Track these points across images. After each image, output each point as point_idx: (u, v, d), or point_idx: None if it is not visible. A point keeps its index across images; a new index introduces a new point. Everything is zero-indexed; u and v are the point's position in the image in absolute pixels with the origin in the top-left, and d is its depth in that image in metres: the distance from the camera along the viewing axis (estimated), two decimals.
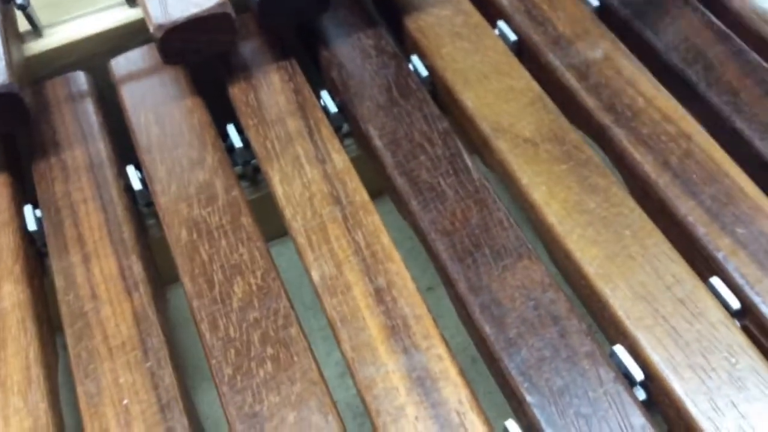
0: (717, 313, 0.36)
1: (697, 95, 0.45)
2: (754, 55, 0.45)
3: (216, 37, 0.46)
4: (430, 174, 0.43)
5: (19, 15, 0.52)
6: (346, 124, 0.49)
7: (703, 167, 0.41)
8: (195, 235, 0.42)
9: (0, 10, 0.49)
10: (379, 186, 0.46)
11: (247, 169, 0.49)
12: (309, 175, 0.44)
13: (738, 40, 0.46)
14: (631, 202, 0.40)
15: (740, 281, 0.37)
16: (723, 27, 0.47)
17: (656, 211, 0.41)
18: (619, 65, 0.46)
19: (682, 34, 0.47)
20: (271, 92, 0.48)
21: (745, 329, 0.36)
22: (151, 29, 0.44)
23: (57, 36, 0.52)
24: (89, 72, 0.52)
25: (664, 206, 0.41)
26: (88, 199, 0.45)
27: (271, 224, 0.44)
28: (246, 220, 0.43)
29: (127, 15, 0.53)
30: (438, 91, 0.49)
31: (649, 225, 0.39)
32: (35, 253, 0.45)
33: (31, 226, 0.44)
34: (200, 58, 0.47)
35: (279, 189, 0.44)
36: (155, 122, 0.48)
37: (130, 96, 0.50)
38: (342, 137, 0.50)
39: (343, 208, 0.42)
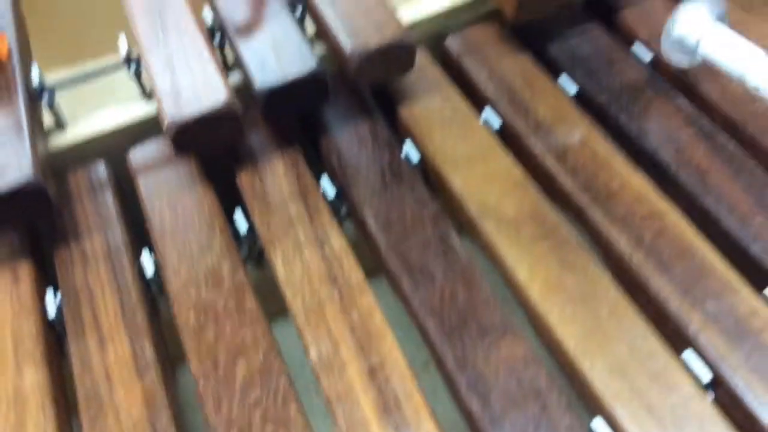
0: (690, 387, 0.38)
1: (668, 176, 0.48)
2: (723, 136, 0.49)
3: (224, 131, 0.50)
4: (421, 255, 0.46)
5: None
6: (345, 207, 0.53)
7: (675, 245, 0.44)
8: (202, 318, 0.46)
9: (27, 106, 0.53)
10: (376, 265, 0.50)
11: (253, 251, 0.53)
12: (308, 257, 0.47)
13: (707, 122, 0.50)
14: (607, 280, 0.43)
15: (712, 354, 0.39)
16: (694, 110, 0.51)
17: (631, 287, 0.44)
18: (595, 149, 0.50)
19: (654, 118, 0.51)
20: (275, 179, 0.52)
21: (717, 401, 0.38)
22: (164, 126, 0.49)
23: (79, 129, 0.57)
24: (109, 162, 0.56)
25: (638, 283, 0.43)
26: (104, 285, 0.49)
27: (276, 302, 0.47)
28: (249, 303, 0.46)
29: (144, 108, 0.57)
30: (429, 174, 0.53)
31: (623, 302, 0.42)
32: (55, 338, 0.48)
33: (52, 313, 0.48)
34: (210, 149, 0.51)
35: (281, 271, 0.47)
36: (169, 209, 0.52)
37: (146, 185, 0.54)
38: (341, 219, 0.54)
39: (340, 289, 0.45)
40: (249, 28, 0.53)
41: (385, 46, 0.50)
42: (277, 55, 0.51)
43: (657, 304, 0.42)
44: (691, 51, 0.49)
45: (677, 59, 0.50)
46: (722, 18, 0.49)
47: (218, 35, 0.57)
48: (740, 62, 0.46)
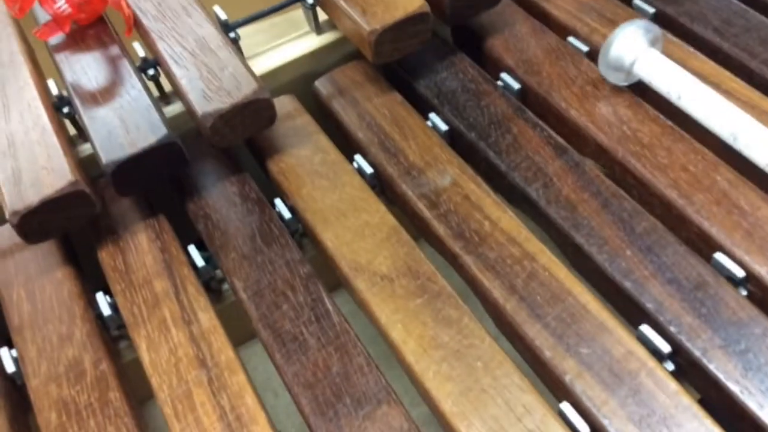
0: None
1: (539, 212, 0.47)
2: (591, 167, 0.48)
3: (75, 212, 0.47)
4: (293, 323, 0.44)
5: None
6: (219, 272, 0.50)
7: (547, 288, 0.43)
8: (64, 417, 0.42)
9: None
10: None
11: (122, 332, 0.50)
12: (175, 338, 0.45)
13: (575, 153, 0.49)
14: (483, 332, 0.42)
15: (587, 404, 0.38)
16: (561, 141, 0.50)
17: (510, 335, 0.43)
18: (466, 190, 0.48)
19: (522, 152, 0.50)
20: (138, 254, 0.49)
21: None
22: (7, 215, 0.45)
23: None
24: None
25: (514, 331, 0.42)
26: None
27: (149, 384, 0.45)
28: (114, 394, 0.43)
29: None
30: (304, 230, 0.51)
31: (500, 355, 0.41)
32: None
33: None
34: (63, 232, 0.48)
35: (146, 357, 0.44)
36: (26, 299, 0.48)
37: (3, 273, 0.50)
38: (215, 287, 0.51)
39: (209, 371, 0.43)
40: (95, 96, 0.50)
41: (239, 105, 0.48)
42: (125, 125, 0.48)
43: (533, 353, 0.41)
44: (626, 71, 0.50)
45: (614, 78, 0.52)
46: (657, 41, 0.50)
47: (67, 107, 0.53)
48: (669, 80, 0.48)
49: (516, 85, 0.54)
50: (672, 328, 0.41)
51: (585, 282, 0.43)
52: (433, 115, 0.54)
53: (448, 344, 0.41)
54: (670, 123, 0.49)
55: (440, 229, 0.47)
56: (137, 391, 0.45)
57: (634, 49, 0.49)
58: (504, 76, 0.55)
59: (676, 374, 0.40)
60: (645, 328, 0.41)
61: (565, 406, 0.39)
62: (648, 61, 0.49)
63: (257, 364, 0.50)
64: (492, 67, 0.57)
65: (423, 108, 0.54)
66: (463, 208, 0.47)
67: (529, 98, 0.54)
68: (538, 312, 0.42)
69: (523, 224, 0.46)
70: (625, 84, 0.51)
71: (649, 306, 0.41)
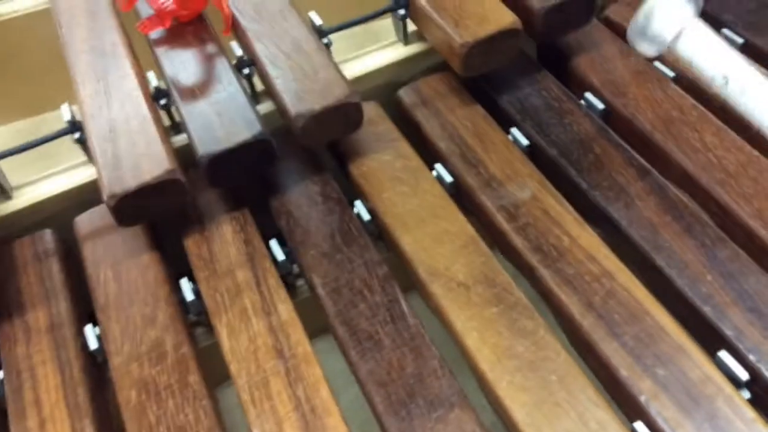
0: None
1: (619, 232, 0.47)
2: (674, 191, 0.48)
3: (168, 200, 0.49)
4: (369, 322, 0.45)
5: None
6: (296, 267, 0.52)
7: (626, 307, 0.43)
8: (144, 396, 0.44)
9: None
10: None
11: (201, 318, 0.51)
12: (255, 328, 0.46)
13: (658, 176, 0.49)
14: (558, 345, 0.42)
15: (662, 426, 0.38)
16: (644, 163, 0.50)
17: (584, 351, 0.43)
18: (546, 205, 0.49)
19: (605, 172, 0.50)
20: (222, 244, 0.51)
21: None
22: (104, 197, 0.47)
23: (25, 196, 0.56)
24: (58, 229, 0.55)
25: (590, 348, 0.42)
26: (46, 361, 0.47)
27: (225, 369, 0.46)
28: (193, 378, 0.45)
29: (91, 173, 0.56)
30: (381, 233, 0.52)
31: (574, 369, 0.41)
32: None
33: None
34: (154, 218, 0.50)
35: (226, 344, 0.46)
36: (113, 279, 0.51)
37: (92, 253, 0.52)
38: (293, 281, 0.52)
39: (286, 362, 0.44)
40: (194, 91, 0.52)
41: (331, 107, 0.50)
42: (221, 120, 0.50)
43: (608, 371, 0.41)
44: (662, 42, 0.47)
45: (644, 49, 0.48)
46: (699, 12, 0.47)
47: (164, 98, 0.56)
48: (714, 60, 0.45)
49: (600, 105, 0.55)
50: (751, 356, 0.40)
51: (663, 306, 0.43)
52: (514, 130, 0.54)
53: (522, 355, 0.42)
54: (756, 153, 0.49)
55: (518, 242, 0.47)
56: (212, 376, 0.47)
57: (678, 21, 0.45)
58: (588, 95, 0.56)
59: (753, 403, 0.39)
60: (723, 354, 0.41)
61: (639, 426, 0.38)
62: (694, 37, 0.45)
63: (326, 357, 0.51)
64: (576, 86, 0.57)
65: (505, 123, 0.55)
66: (542, 223, 0.48)
67: (612, 119, 0.54)
68: (615, 330, 0.42)
69: (602, 242, 0.46)
70: (654, 55, 0.48)
71: (729, 333, 0.41)
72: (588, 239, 0.46)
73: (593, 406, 0.39)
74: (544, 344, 0.42)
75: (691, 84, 0.54)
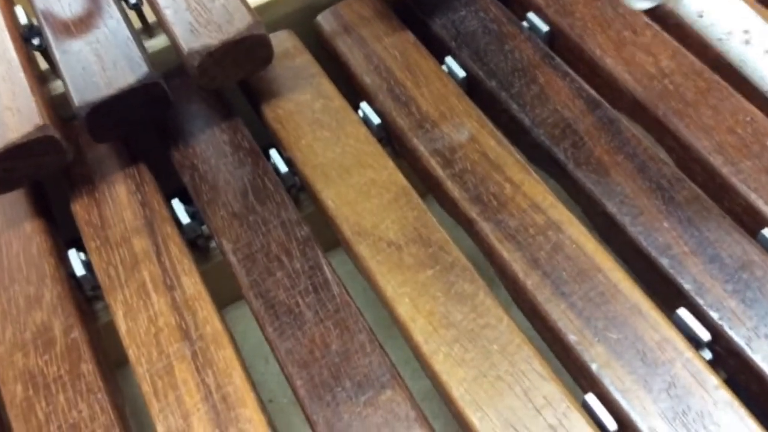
0: None
1: (567, 175, 0.42)
2: (626, 125, 0.43)
3: (43, 159, 0.41)
4: (288, 293, 0.40)
5: None
6: (206, 230, 0.45)
7: (574, 262, 0.38)
8: (31, 391, 0.38)
9: None
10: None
11: (98, 293, 0.45)
12: (156, 305, 0.40)
13: (609, 108, 0.44)
14: (500, 311, 0.37)
15: (616, 397, 0.34)
16: (594, 93, 0.44)
17: (530, 314, 0.38)
18: (485, 147, 0.43)
19: (550, 106, 0.44)
20: (115, 207, 0.44)
21: None
22: None
23: None
24: None
25: (535, 310, 0.37)
26: None
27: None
28: (86, 366, 0.39)
29: None
30: (301, 185, 0.46)
31: (518, 337, 0.36)
32: None
33: None
34: (30, 181, 0.43)
35: (122, 326, 0.40)
36: None
37: None
38: (202, 246, 0.46)
39: (193, 344, 0.38)
40: (69, 27, 0.44)
41: (230, 42, 0.42)
42: (101, 61, 0.42)
43: (556, 335, 0.37)
44: None
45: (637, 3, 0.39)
46: None
47: (37, 38, 0.47)
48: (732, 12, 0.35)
49: (544, 28, 0.48)
50: (712, 313, 0.36)
51: (616, 258, 0.39)
52: (449, 59, 0.48)
53: (461, 323, 0.37)
54: (717, 78, 0.44)
55: (455, 191, 0.42)
56: (113, 355, 0.41)
57: None
58: (531, 16, 0.49)
59: (714, 363, 0.36)
60: (682, 312, 0.36)
61: (591, 398, 0.34)
62: None
63: (246, 327, 0.45)
64: (517, 4, 0.50)
65: (438, 51, 0.48)
66: (481, 168, 0.42)
67: (558, 43, 0.48)
68: (563, 290, 0.37)
69: (548, 189, 0.41)
70: (652, 5, 0.41)
71: (688, 287, 0.37)
72: (532, 186, 0.41)
73: (539, 379, 0.35)
74: (484, 310, 0.37)
75: None
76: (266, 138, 0.48)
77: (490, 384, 0.35)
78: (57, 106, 0.45)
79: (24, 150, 0.40)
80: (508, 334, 0.36)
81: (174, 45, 0.44)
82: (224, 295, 0.44)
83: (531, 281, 0.38)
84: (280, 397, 0.47)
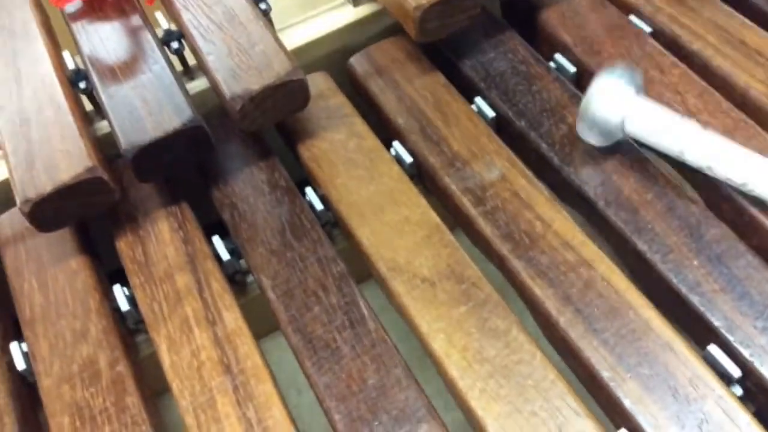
0: None
1: (596, 213, 0.43)
2: (654, 165, 0.44)
3: (92, 199, 0.43)
4: (325, 328, 0.41)
5: None
6: (244, 265, 0.47)
7: (606, 300, 0.39)
8: (78, 423, 0.40)
9: None
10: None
11: (140, 326, 0.46)
12: (198, 340, 0.41)
13: (637, 147, 0.45)
14: (533, 347, 0.38)
15: None
16: None
17: (562, 350, 0.39)
18: (516, 185, 0.44)
19: (579, 146, 0.45)
20: (159, 244, 0.46)
21: None
22: (18, 203, 0.42)
23: None
24: None
25: (568, 346, 0.38)
26: None
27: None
28: (131, 399, 0.40)
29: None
30: (335, 221, 0.47)
31: (551, 373, 0.37)
32: None
33: None
34: (79, 220, 0.44)
35: (166, 359, 0.41)
36: (39, 289, 0.45)
37: (13, 259, 0.47)
38: (243, 277, 0.48)
39: (234, 378, 0.40)
40: (115, 71, 0.46)
41: (271, 86, 0.44)
42: (147, 105, 0.44)
43: (588, 371, 0.37)
44: (613, 130, 0.42)
45: (597, 141, 0.43)
46: (640, 89, 0.42)
47: (83, 81, 0.49)
48: (671, 136, 0.41)
49: (571, 68, 0.50)
50: (743, 350, 0.37)
51: (647, 295, 0.39)
52: (479, 100, 0.49)
53: (494, 359, 0.38)
54: (744, 116, 0.45)
55: (486, 229, 0.43)
56: (153, 385, 0.43)
57: (621, 103, 0.41)
58: (558, 57, 0.51)
59: (745, 399, 0.36)
60: (713, 349, 0.37)
61: None
62: (641, 115, 0.41)
63: (279, 359, 0.46)
64: (545, 45, 0.52)
65: (468, 91, 0.50)
66: (512, 206, 0.43)
67: (585, 82, 0.49)
68: (595, 326, 0.38)
69: (578, 227, 0.42)
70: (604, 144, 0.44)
71: (718, 324, 0.38)
72: (563, 223, 0.42)
73: (573, 415, 0.35)
74: (517, 346, 0.38)
75: (670, 39, 0.49)
76: (301, 174, 0.49)
77: (525, 420, 0.36)
78: (102, 145, 0.47)
79: (74, 190, 0.42)
80: (542, 370, 0.37)
81: (216, 89, 0.46)
82: (259, 327, 0.45)
83: (564, 318, 0.38)
84: (315, 429, 0.48)
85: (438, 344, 0.39)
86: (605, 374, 0.36)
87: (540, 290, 0.40)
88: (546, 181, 0.45)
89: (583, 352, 0.37)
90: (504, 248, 0.42)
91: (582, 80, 0.50)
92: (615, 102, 0.41)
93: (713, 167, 0.40)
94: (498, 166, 0.45)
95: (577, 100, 0.48)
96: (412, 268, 0.42)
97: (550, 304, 0.39)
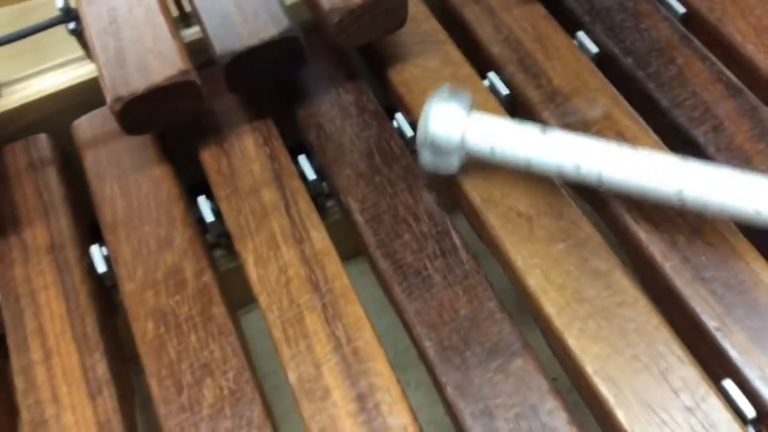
0: (730, 425, 0.33)
1: (706, 159, 0.41)
2: None
3: (181, 104, 0.42)
4: (416, 256, 0.40)
5: None
6: (326, 187, 0.46)
7: (715, 249, 0.37)
8: (162, 329, 0.39)
9: None
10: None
11: (221, 241, 0.46)
12: (285, 256, 0.40)
13: (752, 96, 0.42)
14: (636, 291, 0.37)
15: (755, 384, 0.34)
16: (735, 79, 0.43)
17: (665, 298, 0.38)
18: (620, 125, 0.42)
19: (689, 88, 0.43)
20: (244, 158, 0.45)
21: None
22: (108, 101, 0.41)
23: (16, 95, 0.49)
24: (53, 134, 0.48)
25: (672, 294, 0.37)
26: (49, 285, 0.42)
27: (245, 295, 0.41)
28: (217, 310, 0.39)
29: (91, 69, 0.49)
30: None
31: (655, 319, 0.36)
32: None
33: None
34: (166, 126, 0.43)
35: (253, 273, 0.40)
36: (121, 194, 0.45)
37: (95, 164, 0.46)
38: (323, 202, 0.47)
39: (322, 296, 0.39)
40: None
41: (372, 0, 0.42)
42: (242, 12, 0.42)
43: (693, 321, 0.36)
44: (454, 150, 0.39)
45: (443, 166, 0.40)
46: (471, 107, 0.39)
47: None
48: (517, 143, 0.38)
49: (680, 9, 0.47)
50: None
51: (756, 246, 0.38)
52: (581, 34, 0.47)
53: (594, 300, 0.37)
54: None
55: None
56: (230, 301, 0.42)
57: (458, 121, 0.38)
58: None
59: None
60: None
61: (729, 384, 0.34)
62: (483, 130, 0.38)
63: (358, 286, 0.46)
64: None
65: (570, 25, 0.48)
66: None
67: (694, 25, 0.47)
68: (703, 275, 0.37)
69: None
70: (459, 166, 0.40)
71: None
72: None
73: (677, 362, 0.34)
74: (620, 288, 0.37)
75: None
76: (384, 101, 0.48)
77: (627, 363, 0.35)
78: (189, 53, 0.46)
79: (166, 93, 0.41)
80: (645, 315, 0.36)
81: (311, 1, 0.44)
82: (339, 253, 0.44)
83: (670, 264, 0.37)
84: (391, 353, 0.48)
85: (534, 280, 0.38)
86: (712, 324, 0.35)
87: (645, 234, 0.38)
88: (651, 123, 0.43)
89: (689, 301, 0.36)
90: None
91: (691, 22, 0.47)
92: (452, 121, 0.38)
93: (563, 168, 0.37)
94: (601, 104, 0.43)
95: (687, 42, 0.45)
96: (508, 201, 0.41)
97: (655, 248, 0.38)
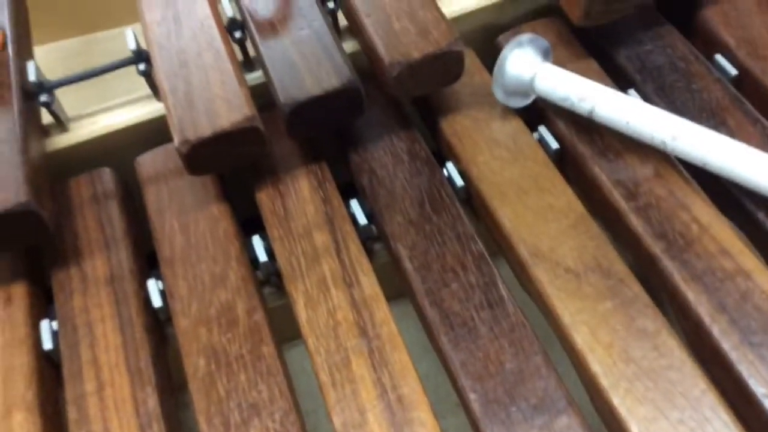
0: None
1: (757, 224, 0.41)
2: None
3: (245, 149, 0.44)
4: (463, 305, 0.40)
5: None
6: (376, 231, 0.47)
7: (764, 312, 0.37)
8: (213, 366, 0.40)
9: (20, 108, 0.47)
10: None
11: (272, 280, 0.47)
12: (335, 299, 0.42)
13: None
14: (683, 353, 0.37)
15: None
16: None
17: (711, 360, 0.38)
18: (671, 184, 0.43)
19: None
20: (299, 200, 0.46)
21: None
22: (176, 142, 0.42)
23: (83, 130, 0.51)
24: (116, 168, 0.51)
25: (719, 357, 0.37)
26: (106, 317, 0.43)
27: (291, 332, 0.42)
28: (267, 350, 0.41)
29: (156, 108, 0.51)
30: (473, 201, 0.46)
31: (702, 383, 0.36)
32: (51, 374, 0.43)
33: (47, 344, 0.43)
34: (228, 168, 0.45)
35: (303, 314, 0.41)
36: (180, 231, 0.46)
37: (156, 199, 0.48)
38: (372, 246, 0.48)
39: (370, 342, 0.40)
40: (273, 25, 0.46)
41: (431, 56, 0.43)
42: (306, 62, 0.44)
43: (741, 387, 0.36)
44: (525, 90, 0.47)
45: (512, 102, 0.48)
46: (548, 55, 0.47)
47: (238, 31, 0.50)
48: (574, 90, 0.45)
49: (732, 71, 0.48)
50: None
51: None
52: (632, 92, 0.48)
53: (641, 361, 0.37)
54: None
55: (638, 225, 0.42)
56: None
57: (531, 65, 0.46)
58: (718, 57, 0.49)
59: None
60: None
61: None
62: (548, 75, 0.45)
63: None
64: (704, 44, 0.50)
65: (621, 82, 0.48)
66: (666, 205, 0.42)
67: (747, 87, 0.47)
68: (751, 339, 0.37)
69: (737, 235, 0.40)
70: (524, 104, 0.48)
71: None
72: (720, 229, 0.40)
73: (723, 427, 0.34)
74: (666, 350, 0.37)
75: None
76: (433, 150, 0.49)
77: (672, 426, 0.35)
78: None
79: (231, 138, 0.42)
80: (692, 378, 0.36)
81: (371, 52, 0.46)
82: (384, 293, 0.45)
83: (718, 327, 0.37)
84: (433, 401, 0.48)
85: (581, 337, 0.38)
86: (761, 390, 0.35)
87: (694, 296, 0.38)
88: (703, 186, 0.43)
89: (736, 365, 0.36)
90: (656, 247, 0.40)
91: (743, 84, 0.48)
92: (526, 63, 0.46)
93: (631, 123, 0.43)
94: (652, 162, 0.44)
95: (739, 104, 0.46)
96: (556, 256, 0.41)
97: (703, 310, 0.38)
